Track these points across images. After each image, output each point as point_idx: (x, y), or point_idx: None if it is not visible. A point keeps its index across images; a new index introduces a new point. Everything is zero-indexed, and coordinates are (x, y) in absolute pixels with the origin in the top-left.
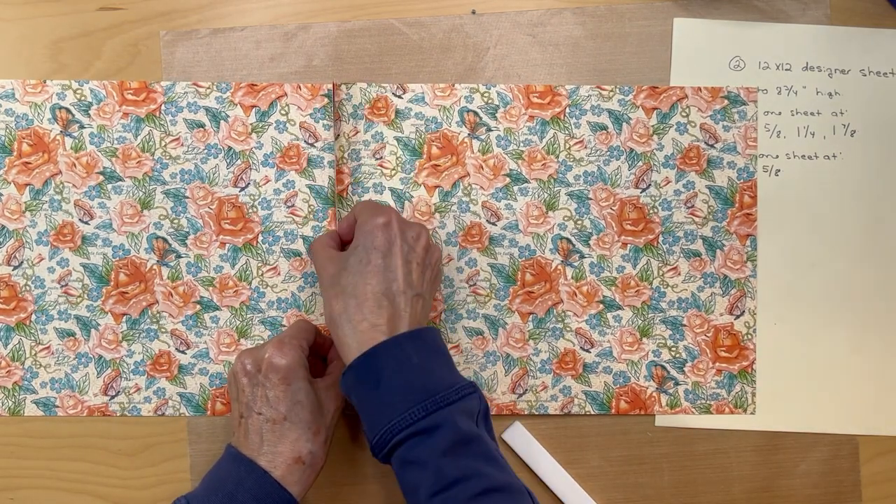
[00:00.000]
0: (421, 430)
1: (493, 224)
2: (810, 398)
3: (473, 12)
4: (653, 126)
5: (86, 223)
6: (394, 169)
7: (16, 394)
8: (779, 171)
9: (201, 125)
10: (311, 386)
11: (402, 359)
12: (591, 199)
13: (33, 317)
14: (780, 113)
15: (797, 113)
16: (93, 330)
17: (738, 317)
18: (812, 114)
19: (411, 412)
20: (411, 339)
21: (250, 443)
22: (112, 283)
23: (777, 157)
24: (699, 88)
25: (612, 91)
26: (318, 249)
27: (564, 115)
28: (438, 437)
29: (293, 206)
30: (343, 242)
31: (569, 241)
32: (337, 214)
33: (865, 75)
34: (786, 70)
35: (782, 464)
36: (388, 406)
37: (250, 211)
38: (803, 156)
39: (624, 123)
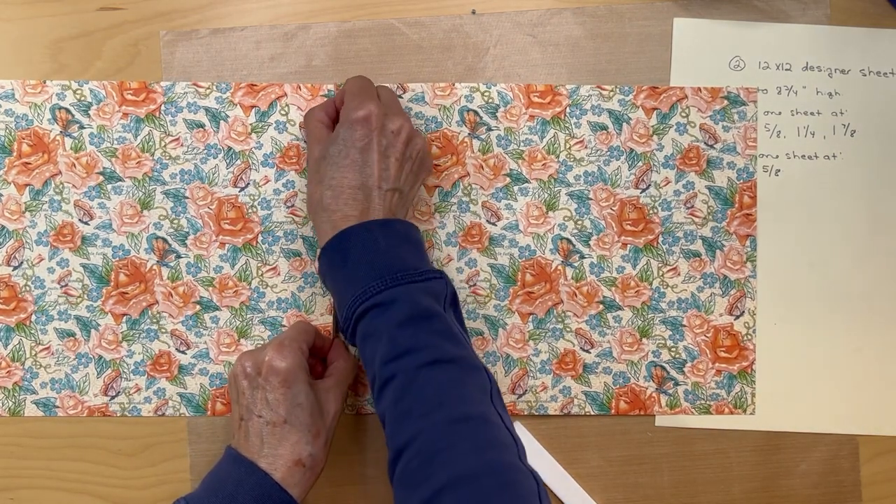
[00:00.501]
0: (379, 302)
1: (493, 224)
2: (810, 398)
3: (473, 12)
4: (653, 126)
5: (86, 223)
6: None
7: (16, 394)
8: (779, 171)
9: (201, 125)
10: (312, 388)
11: (369, 241)
12: (591, 199)
13: (33, 317)
14: (780, 113)
15: (797, 113)
16: (93, 330)
17: (737, 317)
18: (812, 114)
19: (371, 286)
20: (381, 225)
21: (250, 445)
22: (112, 284)
23: (777, 157)
24: (699, 89)
25: (612, 91)
26: (310, 123)
27: (565, 115)
28: (395, 309)
29: (293, 206)
30: (337, 112)
31: (569, 241)
32: None
33: (865, 75)
34: (786, 70)
35: (782, 464)
36: (353, 282)
37: (250, 211)
38: (803, 156)
39: (624, 123)
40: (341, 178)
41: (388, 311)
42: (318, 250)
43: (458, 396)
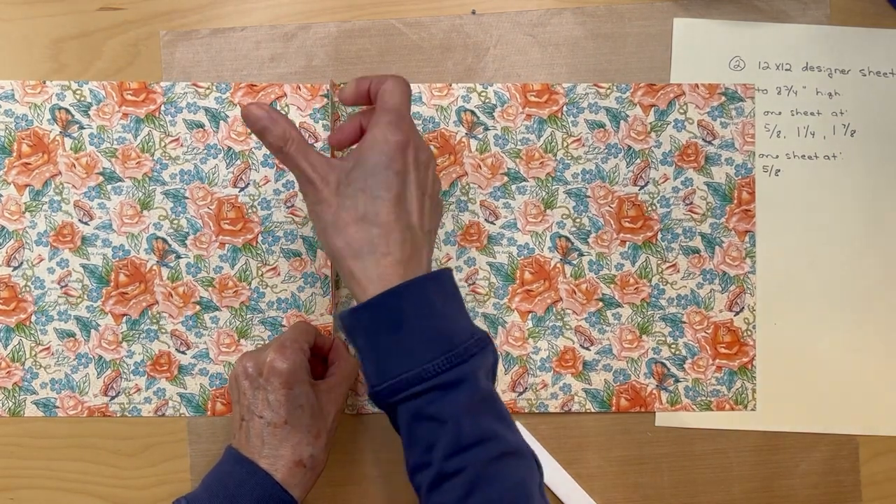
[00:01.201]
0: (444, 383)
1: (492, 223)
2: (810, 398)
3: (473, 12)
4: (650, 123)
5: (85, 224)
6: None
7: (16, 394)
8: (779, 171)
9: (201, 125)
10: (312, 389)
11: (426, 302)
12: (589, 196)
13: (33, 317)
14: (780, 113)
15: (797, 113)
16: (93, 330)
17: (737, 313)
18: (812, 114)
19: (436, 363)
20: (434, 280)
21: (251, 446)
22: (112, 284)
23: (777, 157)
24: (696, 85)
25: (609, 89)
26: (300, 155)
27: (562, 114)
28: (461, 393)
29: (293, 206)
30: (351, 104)
31: (567, 239)
32: None
33: (865, 75)
34: (786, 70)
35: (782, 464)
36: (407, 353)
37: (250, 211)
38: (803, 156)
39: (621, 121)
40: (387, 213)
41: (450, 394)
42: (360, 304)
43: (525, 497)
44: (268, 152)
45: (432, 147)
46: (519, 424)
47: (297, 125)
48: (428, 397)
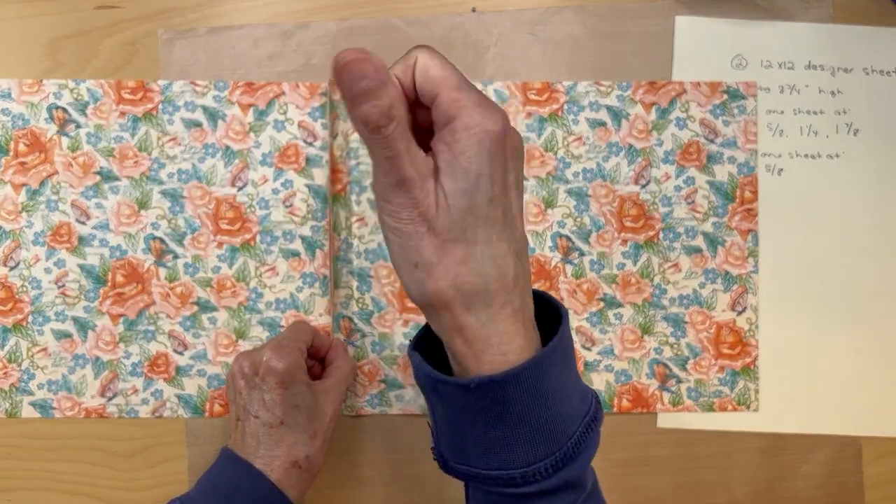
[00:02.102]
0: (544, 490)
1: None
2: (813, 399)
3: (474, 10)
4: (652, 122)
5: (83, 223)
6: None
7: (13, 396)
8: (781, 170)
9: (199, 124)
10: (309, 389)
11: (541, 387)
12: (590, 195)
13: (30, 318)
14: (782, 112)
15: (800, 112)
16: (90, 331)
17: (740, 313)
18: (815, 113)
19: (537, 468)
20: (557, 349)
21: (247, 446)
22: (109, 284)
23: (780, 156)
24: (698, 83)
25: (610, 87)
26: (401, 145)
27: (562, 112)
28: (561, 498)
29: (292, 205)
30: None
31: (568, 238)
32: (333, 214)
33: (868, 74)
34: (788, 69)
35: (785, 465)
36: (503, 448)
37: (248, 211)
38: (806, 155)
39: (623, 119)
40: (499, 242)
41: (548, 499)
42: (456, 381)
43: None
44: (266, 151)
45: None
46: None
47: (297, 124)
48: (525, 499)
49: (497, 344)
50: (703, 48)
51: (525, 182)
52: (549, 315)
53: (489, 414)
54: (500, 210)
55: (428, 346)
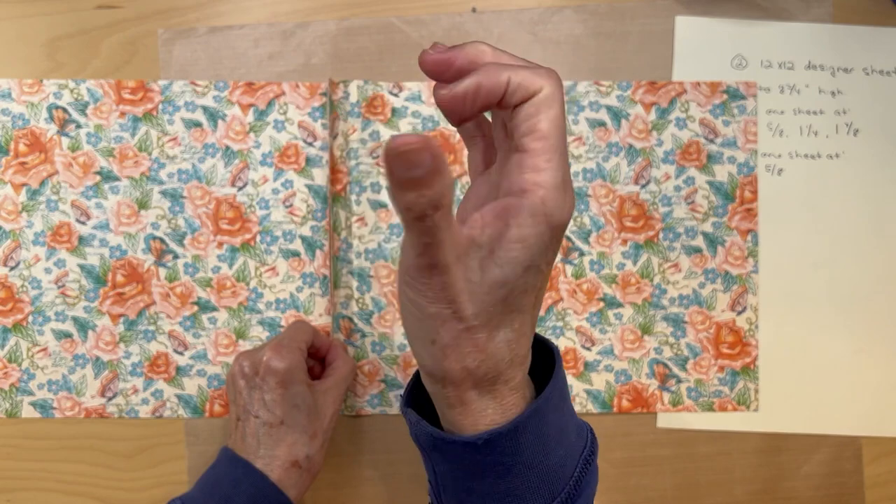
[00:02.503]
0: None
1: None
2: (813, 399)
3: (474, 10)
4: (652, 122)
5: (83, 223)
6: None
7: (13, 396)
8: (781, 170)
9: (199, 124)
10: (309, 389)
11: (543, 434)
12: (590, 195)
13: (30, 318)
14: (782, 112)
15: (800, 112)
16: (90, 331)
17: (739, 313)
18: (815, 113)
19: None
20: (553, 393)
21: (247, 446)
22: (109, 284)
23: (780, 156)
24: (698, 83)
25: (610, 87)
26: (445, 232)
27: None
28: None
29: (292, 205)
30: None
31: (568, 238)
32: (333, 214)
33: (868, 74)
34: (788, 69)
35: (785, 465)
36: (514, 497)
37: (248, 211)
38: (806, 155)
39: (622, 119)
40: (520, 329)
41: None
42: (455, 438)
43: None
44: (266, 151)
45: None
46: None
47: (297, 124)
48: None
49: (492, 414)
50: (703, 48)
51: None
52: (541, 356)
53: (498, 467)
54: (533, 297)
55: (416, 397)
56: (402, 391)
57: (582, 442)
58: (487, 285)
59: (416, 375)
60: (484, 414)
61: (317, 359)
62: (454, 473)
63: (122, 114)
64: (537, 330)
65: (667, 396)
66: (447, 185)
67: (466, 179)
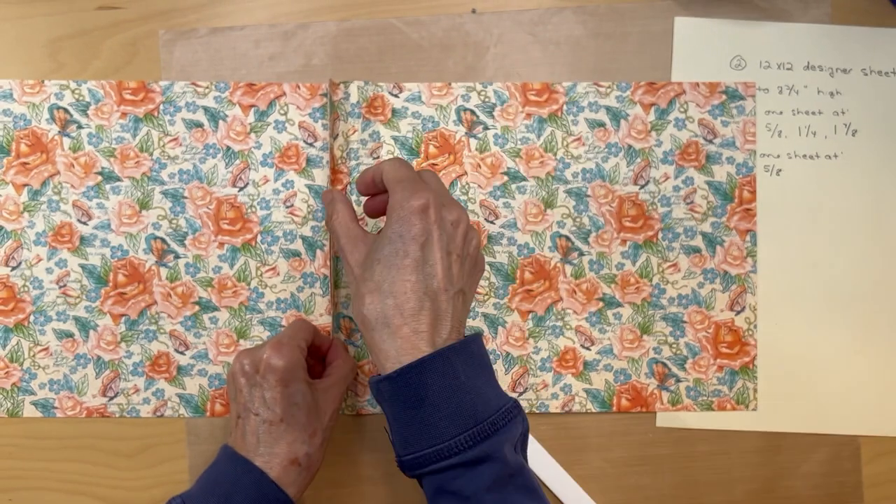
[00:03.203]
0: (466, 461)
1: (492, 222)
2: (812, 398)
3: (474, 11)
4: (651, 122)
5: (84, 224)
6: None
7: (14, 395)
8: (780, 170)
9: (200, 125)
10: (309, 388)
11: (450, 376)
12: (589, 196)
13: (31, 318)
14: (781, 112)
15: (798, 112)
16: (91, 331)
17: (738, 312)
18: (813, 113)
19: (457, 441)
20: (459, 352)
21: (247, 444)
22: (110, 284)
23: (778, 156)
24: (697, 84)
25: (609, 87)
26: (339, 228)
27: (562, 113)
28: (484, 470)
29: (292, 205)
30: (366, 195)
31: (568, 238)
32: None
33: (867, 75)
34: (787, 69)
35: (784, 465)
36: (430, 428)
37: (249, 211)
38: (805, 155)
39: (622, 120)
40: (403, 281)
41: (474, 471)
42: (382, 376)
43: None
44: (267, 152)
45: (432, 146)
46: None
47: (297, 124)
48: (451, 473)
49: (396, 354)
50: (702, 49)
51: (524, 182)
52: None
53: (414, 398)
54: (409, 260)
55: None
56: None
57: (503, 403)
58: (371, 251)
59: None
60: (387, 356)
61: (317, 358)
62: (391, 412)
63: (124, 114)
64: (537, 329)
65: (666, 396)
66: (333, 198)
67: (466, 180)
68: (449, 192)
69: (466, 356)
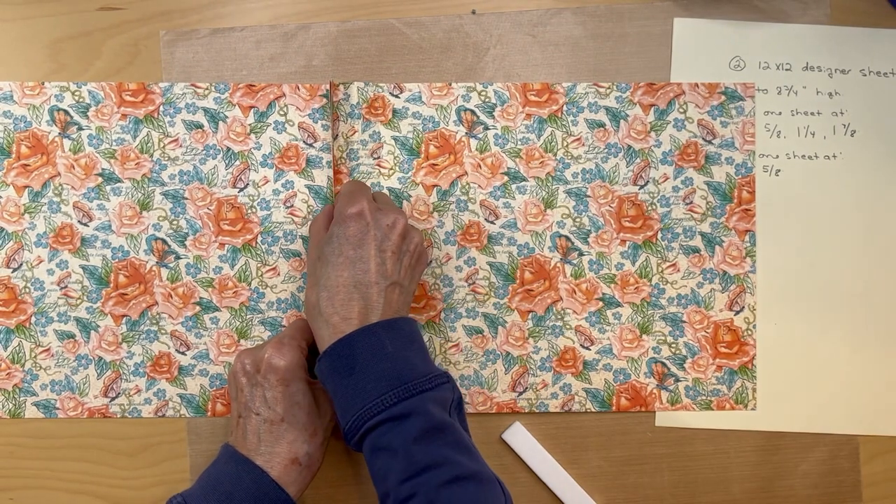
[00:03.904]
0: (393, 416)
1: (492, 223)
2: (810, 398)
3: (473, 12)
4: (650, 122)
5: (85, 225)
6: (391, 168)
7: (16, 396)
8: (779, 171)
9: (200, 126)
10: (310, 387)
11: (377, 346)
12: (589, 196)
13: (33, 319)
14: (780, 113)
15: (797, 113)
16: (92, 332)
17: (737, 312)
18: (812, 114)
19: (383, 398)
20: (386, 327)
21: (248, 443)
22: (111, 285)
23: (777, 157)
24: (696, 84)
25: (609, 88)
26: (312, 230)
27: (562, 113)
28: (410, 423)
29: (292, 206)
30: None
31: (567, 238)
32: None
33: (866, 75)
34: (786, 70)
35: (782, 464)
36: (361, 392)
37: (249, 211)
38: (803, 156)
39: (621, 120)
40: (336, 276)
41: (401, 425)
42: (321, 354)
43: None
44: (267, 152)
45: (432, 146)
46: (519, 425)
47: (297, 125)
48: (380, 430)
49: (329, 338)
50: (701, 50)
51: (524, 182)
52: None
53: (346, 367)
54: (342, 258)
55: None
56: None
57: (431, 373)
58: (314, 249)
59: None
60: (322, 340)
61: (316, 357)
62: (330, 385)
63: (124, 116)
64: (537, 329)
65: (665, 395)
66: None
67: (466, 180)
68: (395, 204)
69: (394, 332)
